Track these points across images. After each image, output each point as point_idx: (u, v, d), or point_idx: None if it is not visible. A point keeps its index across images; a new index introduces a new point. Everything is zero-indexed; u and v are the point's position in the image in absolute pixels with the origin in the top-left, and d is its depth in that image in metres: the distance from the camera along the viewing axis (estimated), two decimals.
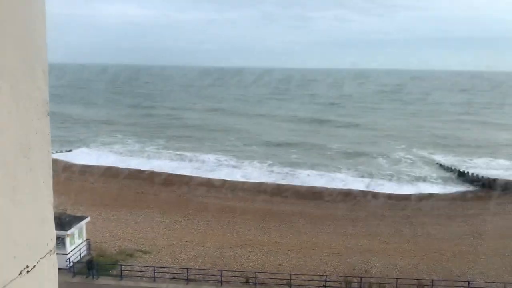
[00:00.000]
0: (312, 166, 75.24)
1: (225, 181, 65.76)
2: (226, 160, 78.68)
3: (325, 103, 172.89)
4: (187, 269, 30.08)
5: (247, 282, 29.29)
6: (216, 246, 37.08)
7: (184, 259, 33.89)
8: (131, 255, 33.62)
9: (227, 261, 33.54)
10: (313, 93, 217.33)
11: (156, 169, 70.84)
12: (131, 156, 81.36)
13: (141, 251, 34.72)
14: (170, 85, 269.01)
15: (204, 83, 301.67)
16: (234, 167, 74.96)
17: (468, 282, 27.88)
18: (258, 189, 59.81)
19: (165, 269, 31.07)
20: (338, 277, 29.53)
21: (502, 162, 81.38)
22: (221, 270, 29.78)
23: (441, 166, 78.35)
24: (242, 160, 78.64)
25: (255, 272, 29.25)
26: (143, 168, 70.66)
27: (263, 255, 35.39)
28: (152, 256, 33.94)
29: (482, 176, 67.77)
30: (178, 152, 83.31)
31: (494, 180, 65.69)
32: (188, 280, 29.26)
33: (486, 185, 65.17)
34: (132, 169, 70.38)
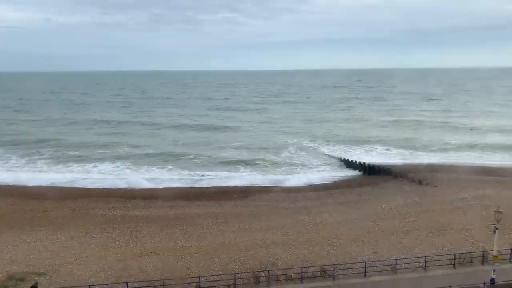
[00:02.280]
0: (211, 167, 75.78)
1: (124, 189, 63.01)
2: (121, 167, 75.56)
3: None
4: (89, 285, 28.20)
5: None
6: (119, 258, 35.30)
7: (84, 276, 31.67)
8: (22, 280, 30.52)
9: (132, 272, 32.13)
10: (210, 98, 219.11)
11: (45, 183, 65.30)
12: (10, 170, 74.11)
13: (34, 273, 31.69)
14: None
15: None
16: (132, 173, 72.25)
17: (365, 262, 30.27)
18: (160, 195, 58.33)
19: None
20: (246, 273, 30.00)
21: (380, 150, 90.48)
22: (126, 283, 28.46)
23: (329, 156, 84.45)
24: (140, 166, 76.19)
25: (163, 280, 28.46)
26: (30, 184, 64.66)
27: (170, 261, 34.57)
28: (47, 278, 31.18)
29: (365, 163, 74.21)
30: (67, 165, 77.94)
31: (374, 166, 72.49)
32: None
33: (369, 170, 71.58)
34: (17, 185, 64.06)
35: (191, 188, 63.94)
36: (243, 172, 73.56)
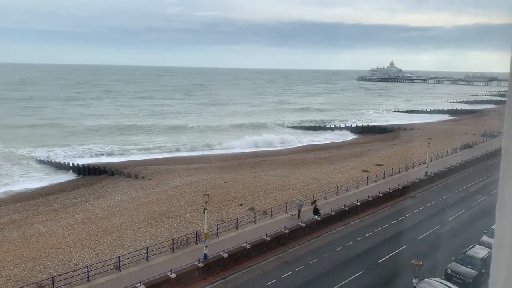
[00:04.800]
0: None
1: None
2: None
3: None
4: None
5: None
6: None
7: None
8: None
9: None
10: None
11: None
12: None
13: None
14: None
15: None
16: None
17: (87, 266, 28.91)
18: None
19: None
20: None
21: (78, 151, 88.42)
22: None
23: (40, 161, 76.50)
24: None
25: None
26: None
27: None
28: None
29: (78, 164, 71.08)
30: None
31: (88, 166, 70.51)
32: None
33: (84, 171, 69.03)
34: None
35: None
36: None
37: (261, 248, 34.04)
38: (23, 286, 27.13)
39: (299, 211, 40.85)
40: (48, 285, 26.84)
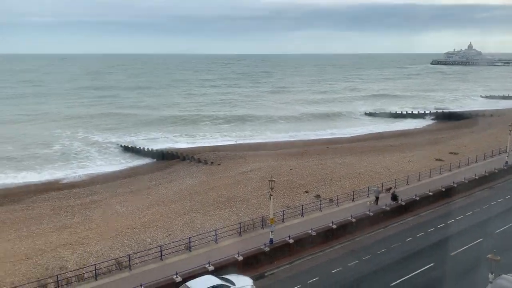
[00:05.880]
0: None
1: None
2: None
3: None
4: None
5: None
6: None
7: None
8: None
9: None
10: None
11: None
12: None
13: None
14: None
15: None
16: None
17: (160, 246, 30.57)
18: None
19: None
20: (30, 284, 26.60)
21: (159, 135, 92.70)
22: None
23: (117, 146, 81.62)
24: None
25: None
26: None
27: None
28: None
29: (153, 149, 74.87)
30: None
31: (162, 151, 74.04)
32: None
33: (157, 156, 72.57)
34: None
35: None
36: (9, 171, 64.44)
37: (327, 235, 33.88)
38: (103, 262, 29.32)
39: (377, 197, 40.21)
40: (125, 262, 28.78)
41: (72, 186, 57.25)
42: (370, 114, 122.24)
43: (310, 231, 33.19)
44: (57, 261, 31.21)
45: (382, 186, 44.26)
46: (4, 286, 27.68)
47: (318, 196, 43.31)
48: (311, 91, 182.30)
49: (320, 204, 39.74)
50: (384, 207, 38.77)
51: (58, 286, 26.10)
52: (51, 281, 26.62)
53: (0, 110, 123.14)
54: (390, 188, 43.83)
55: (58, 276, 26.66)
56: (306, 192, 45.28)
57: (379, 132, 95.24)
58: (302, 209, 38.08)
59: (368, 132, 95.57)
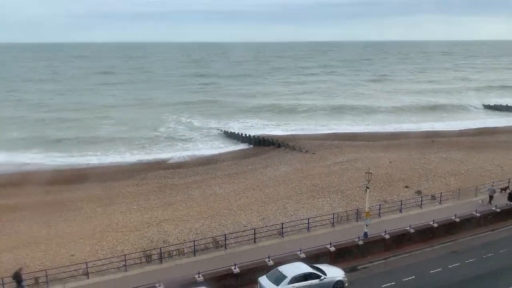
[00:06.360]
0: (85, 147, 71.60)
1: None
2: None
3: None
4: None
5: (36, 283, 26.12)
6: None
7: None
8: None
9: (8, 267, 29.08)
10: None
11: None
12: None
13: None
14: None
15: None
16: None
17: (254, 229, 31.51)
18: (29, 179, 53.36)
19: None
20: (137, 254, 29.19)
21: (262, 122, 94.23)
22: (2, 278, 25.67)
23: (211, 130, 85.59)
24: None
25: (45, 270, 26.28)
26: None
27: (51, 250, 32.05)
28: None
29: (250, 135, 76.69)
30: None
31: (258, 137, 75.52)
32: None
33: (254, 142, 74.29)
34: None
35: (68, 170, 59.57)
36: (123, 150, 70.76)
37: (426, 234, 32.02)
38: (202, 239, 31.02)
39: (491, 196, 37.22)
40: (221, 241, 30.18)
41: (176, 166, 61.19)
42: (487, 107, 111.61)
43: (409, 228, 31.65)
44: (161, 234, 33.79)
45: (493, 185, 40.46)
46: (116, 252, 30.72)
47: (419, 192, 41.06)
48: (416, 80, 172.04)
49: (421, 201, 37.65)
50: (494, 208, 35.50)
51: (161, 258, 28.30)
52: (155, 253, 28.92)
53: (115, 95, 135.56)
54: (507, 188, 39.92)
55: (162, 248, 28.87)
56: (406, 187, 43.18)
57: (491, 127, 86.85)
58: (401, 205, 36.41)
59: (479, 126, 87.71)
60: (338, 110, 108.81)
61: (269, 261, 26.82)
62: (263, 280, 24.49)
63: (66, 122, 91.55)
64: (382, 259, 29.38)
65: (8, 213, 40.98)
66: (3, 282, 25.22)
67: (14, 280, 24.97)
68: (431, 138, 73.44)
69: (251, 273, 25.91)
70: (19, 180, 53.22)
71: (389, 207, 36.72)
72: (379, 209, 35.59)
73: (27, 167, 60.80)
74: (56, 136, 78.71)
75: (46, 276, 25.85)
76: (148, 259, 28.45)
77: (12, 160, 63.69)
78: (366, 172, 30.83)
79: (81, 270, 27.02)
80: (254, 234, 30.85)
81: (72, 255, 30.83)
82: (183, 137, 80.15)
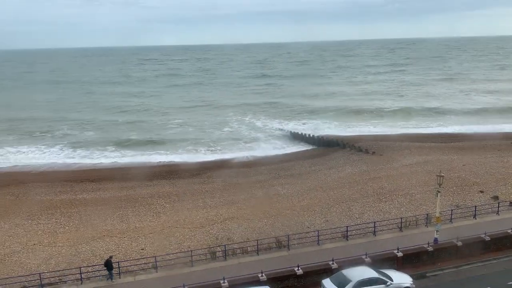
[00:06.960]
0: (153, 147, 74.82)
1: (70, 172, 60.68)
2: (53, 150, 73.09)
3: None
4: (39, 273, 27.11)
5: (117, 273, 27.78)
6: (69, 244, 34.17)
7: (34, 264, 30.43)
8: None
9: (84, 257, 31.25)
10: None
11: None
12: None
13: None
14: None
15: None
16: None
17: (318, 231, 31.18)
18: (105, 176, 56.76)
19: (12, 279, 27.49)
20: (202, 250, 30.05)
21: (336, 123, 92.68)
22: (80, 268, 27.61)
23: (275, 130, 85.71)
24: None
25: (117, 262, 27.89)
26: None
27: (123, 243, 33.93)
28: None
29: (313, 135, 75.93)
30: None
31: (322, 137, 74.55)
32: (42, 286, 26.43)
33: (318, 143, 73.44)
34: None
35: (140, 167, 62.58)
36: (190, 149, 73.11)
37: (504, 243, 29.86)
38: (265, 238, 31.21)
39: None
40: (284, 241, 30.19)
41: (240, 165, 62.10)
42: None
43: (484, 235, 29.69)
44: (225, 232, 34.52)
45: None
46: (183, 248, 31.83)
47: (496, 198, 38.38)
48: (493, 79, 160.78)
49: (498, 207, 35.16)
50: None
51: (225, 255, 28.91)
52: (219, 250, 29.60)
53: (183, 96, 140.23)
54: None
55: (226, 246, 29.48)
56: (481, 192, 40.56)
57: None
58: (475, 210, 34.26)
59: None
60: (406, 111, 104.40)
61: (333, 264, 26.42)
62: (327, 282, 24.18)
63: (136, 123, 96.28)
64: (453, 267, 27.81)
65: (86, 207, 43.94)
66: (80, 271, 27.04)
67: (105, 267, 26.83)
68: (510, 140, 68.32)
69: (314, 275, 25.68)
70: (95, 177, 56.80)
71: (461, 212, 34.70)
72: (451, 214, 33.75)
73: (101, 165, 64.77)
74: (127, 136, 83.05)
75: (119, 268, 27.40)
76: (213, 255, 29.19)
77: (88, 158, 68.44)
78: (437, 175, 29.36)
79: (150, 264, 28.33)
80: (318, 236, 30.54)
81: (142, 249, 32.42)
82: (246, 138, 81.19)
